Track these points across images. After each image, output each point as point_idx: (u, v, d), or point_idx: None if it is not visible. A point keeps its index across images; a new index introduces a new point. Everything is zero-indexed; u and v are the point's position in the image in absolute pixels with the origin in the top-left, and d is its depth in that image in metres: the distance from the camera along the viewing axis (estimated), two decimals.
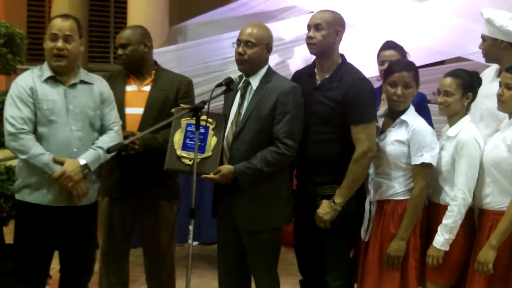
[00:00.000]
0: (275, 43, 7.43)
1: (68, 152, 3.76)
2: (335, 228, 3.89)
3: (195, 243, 5.89)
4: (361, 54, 6.95)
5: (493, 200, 3.68)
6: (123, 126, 4.14)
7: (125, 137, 4.01)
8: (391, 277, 3.83)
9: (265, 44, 3.93)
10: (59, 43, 3.79)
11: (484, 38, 4.19)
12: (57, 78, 3.84)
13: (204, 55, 7.37)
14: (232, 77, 3.84)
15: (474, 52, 6.47)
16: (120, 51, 4.30)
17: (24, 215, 3.87)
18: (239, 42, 3.93)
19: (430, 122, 4.19)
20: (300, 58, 7.38)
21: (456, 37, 6.80)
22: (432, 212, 3.84)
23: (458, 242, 3.73)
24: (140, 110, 4.21)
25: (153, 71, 4.35)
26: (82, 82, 3.93)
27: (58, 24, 3.82)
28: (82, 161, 3.80)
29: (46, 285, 4.20)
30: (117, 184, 4.26)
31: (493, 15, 4.17)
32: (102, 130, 3.97)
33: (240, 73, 4.03)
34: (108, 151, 3.64)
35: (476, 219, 3.81)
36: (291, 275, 4.66)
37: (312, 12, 7.42)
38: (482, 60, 6.52)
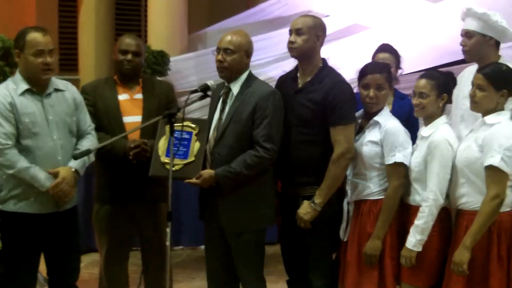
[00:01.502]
0: None
1: (53, 161, 3.91)
2: (317, 229, 3.99)
3: (202, 246, 6.01)
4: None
5: (468, 200, 3.71)
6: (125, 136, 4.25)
7: (137, 146, 4.17)
8: (369, 275, 3.90)
9: (244, 51, 4.04)
10: (48, 59, 3.92)
11: (470, 34, 4.13)
12: (33, 90, 3.96)
13: None
14: (209, 84, 3.96)
15: None
16: (130, 57, 4.37)
17: (10, 224, 3.99)
18: (218, 49, 4.04)
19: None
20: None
21: None
22: (403, 213, 3.90)
23: (433, 243, 3.78)
24: (138, 118, 4.32)
25: (140, 79, 4.48)
26: (56, 90, 4.05)
27: (43, 40, 3.92)
28: (73, 168, 3.97)
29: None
30: (118, 191, 4.38)
31: (485, 11, 4.16)
32: (79, 135, 4.11)
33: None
34: (75, 157, 3.78)
35: (453, 219, 3.83)
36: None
37: (328, 16, 7.62)
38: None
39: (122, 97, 4.43)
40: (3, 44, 4.51)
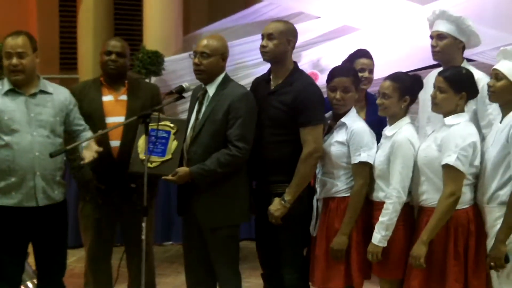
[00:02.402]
0: None
1: (30, 156, 4.08)
2: (287, 225, 4.18)
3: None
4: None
5: (428, 197, 3.90)
6: (105, 136, 4.45)
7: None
8: (337, 270, 4.09)
9: (220, 54, 4.25)
10: (14, 60, 4.11)
11: (443, 35, 4.26)
12: (16, 90, 4.17)
13: None
14: (184, 86, 4.16)
15: (477, 53, 6.63)
16: (114, 58, 4.56)
17: None
18: (195, 53, 4.23)
19: None
20: (308, 62, 7.67)
21: None
22: (368, 209, 4.08)
23: (399, 238, 3.97)
24: (121, 119, 4.47)
25: (126, 81, 4.67)
26: (42, 92, 4.24)
27: (10, 43, 4.10)
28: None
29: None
30: (101, 189, 4.57)
31: (460, 15, 4.30)
32: (74, 135, 4.32)
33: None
34: (51, 155, 3.96)
35: (416, 215, 4.01)
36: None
37: (319, 17, 7.75)
38: (486, 60, 6.68)
39: (107, 98, 4.61)
40: None
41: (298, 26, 7.86)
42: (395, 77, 4.05)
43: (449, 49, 4.27)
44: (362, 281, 4.13)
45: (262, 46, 4.24)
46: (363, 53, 4.76)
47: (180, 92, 4.16)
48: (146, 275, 4.62)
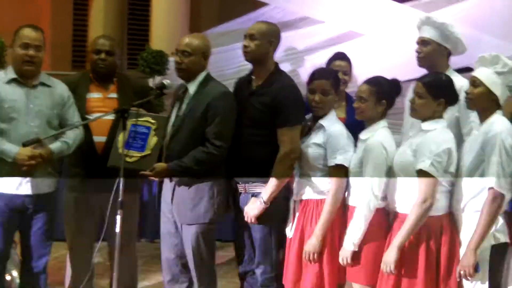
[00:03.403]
0: (288, 51, 7.87)
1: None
2: (263, 224, 4.19)
3: None
4: (371, 62, 7.19)
5: (403, 203, 3.86)
6: (89, 131, 4.52)
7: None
8: (309, 272, 4.07)
9: (202, 53, 4.28)
10: (31, 52, 4.24)
11: (427, 41, 4.25)
12: (19, 80, 4.28)
13: (220, 63, 7.75)
14: (165, 82, 4.19)
15: None
16: (103, 56, 4.61)
17: None
18: (177, 51, 4.26)
19: None
20: (311, 66, 7.63)
21: None
22: (343, 213, 4.06)
23: (373, 243, 3.93)
24: (109, 116, 4.46)
25: (115, 78, 4.70)
26: (42, 84, 4.35)
27: (30, 34, 4.27)
28: (52, 149, 4.25)
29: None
30: (82, 180, 4.63)
31: (444, 21, 4.28)
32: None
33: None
34: (24, 144, 4.04)
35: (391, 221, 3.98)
36: None
37: (323, 22, 7.78)
38: None
39: (95, 95, 4.65)
40: None
41: (303, 31, 8.05)
42: (372, 81, 4.03)
43: (433, 55, 4.25)
44: (334, 285, 4.10)
45: (244, 46, 4.26)
46: (339, 56, 4.79)
47: (160, 88, 4.20)
48: (127, 270, 4.70)
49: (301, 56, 7.72)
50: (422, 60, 4.30)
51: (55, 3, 10.41)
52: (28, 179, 4.22)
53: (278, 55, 7.74)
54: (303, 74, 7.41)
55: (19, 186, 4.23)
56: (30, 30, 4.29)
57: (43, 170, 4.27)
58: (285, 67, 7.58)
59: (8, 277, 4.93)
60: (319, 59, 7.77)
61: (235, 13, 8.60)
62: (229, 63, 7.79)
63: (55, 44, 10.17)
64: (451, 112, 4.03)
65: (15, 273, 5.02)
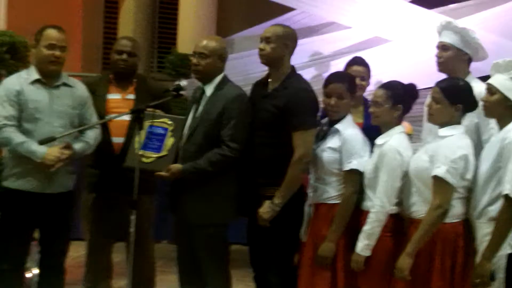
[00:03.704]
0: (313, 56, 7.85)
1: (49, 145, 4.21)
2: (277, 228, 4.17)
3: None
4: (397, 68, 7.15)
5: (418, 209, 3.82)
6: (107, 132, 4.58)
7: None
8: (322, 277, 4.04)
9: (218, 55, 4.28)
10: (58, 52, 4.32)
11: (447, 46, 4.22)
12: (42, 80, 4.34)
13: (245, 67, 7.76)
14: (181, 84, 4.21)
15: None
16: (125, 57, 4.68)
17: (9, 200, 4.38)
18: (194, 54, 4.28)
19: None
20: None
21: (490, 53, 6.86)
22: (357, 217, 4.02)
23: (385, 249, 3.90)
24: (127, 117, 4.51)
25: (134, 80, 4.74)
26: (64, 84, 4.41)
27: (56, 35, 4.34)
28: (75, 149, 4.32)
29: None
30: (101, 180, 4.68)
31: (465, 26, 4.25)
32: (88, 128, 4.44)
33: None
34: (40, 143, 4.09)
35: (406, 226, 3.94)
36: None
37: (350, 27, 7.75)
38: None
39: (114, 96, 4.71)
40: (10, 39, 4.86)
41: (329, 36, 8.02)
42: (388, 86, 4.01)
43: (453, 61, 4.21)
44: None
45: (259, 49, 4.27)
46: (357, 61, 4.76)
47: (177, 90, 4.22)
48: (145, 271, 4.75)
49: (327, 61, 7.68)
50: (442, 65, 4.27)
51: (87, 5, 10.53)
52: (48, 178, 4.27)
53: (303, 60, 7.85)
54: None
55: (38, 184, 4.29)
56: (55, 31, 4.37)
57: (63, 169, 4.31)
58: (310, 72, 7.59)
59: (28, 275, 5.00)
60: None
61: (263, 18, 8.59)
62: (254, 67, 7.75)
63: (86, 46, 10.32)
64: (470, 119, 3.98)
65: (35, 271, 5.09)
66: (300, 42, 7.89)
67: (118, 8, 9.77)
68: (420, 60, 7.27)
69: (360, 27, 7.80)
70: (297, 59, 7.80)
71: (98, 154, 4.66)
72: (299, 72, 7.21)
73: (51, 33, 4.35)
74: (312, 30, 8.13)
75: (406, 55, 7.43)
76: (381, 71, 6.30)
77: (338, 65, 7.67)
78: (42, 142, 4.08)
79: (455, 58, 4.22)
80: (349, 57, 7.66)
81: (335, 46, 7.76)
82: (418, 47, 7.39)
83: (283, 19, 8.20)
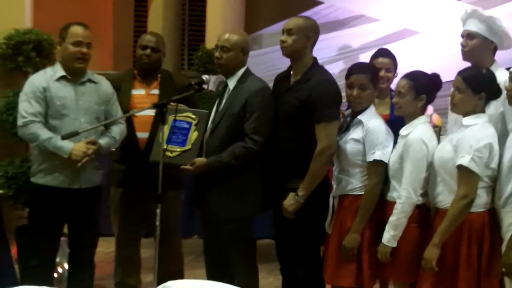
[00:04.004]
0: (342, 50, 7.82)
1: (76, 141, 4.28)
2: (302, 221, 4.17)
3: None
4: (427, 60, 7.09)
5: (443, 199, 3.79)
6: (132, 127, 4.63)
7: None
8: (348, 268, 4.04)
9: (240, 49, 4.30)
10: (85, 49, 4.38)
11: (473, 35, 4.16)
12: (67, 77, 4.40)
13: (274, 62, 7.74)
14: (204, 78, 4.24)
15: None
16: (148, 52, 4.72)
17: (37, 196, 4.47)
18: (216, 47, 4.30)
19: None
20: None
21: None
22: (382, 208, 4.01)
23: (411, 240, 3.88)
24: (149, 112, 4.55)
25: (159, 75, 4.78)
26: (89, 81, 4.48)
27: (82, 33, 4.40)
28: (101, 144, 4.38)
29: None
30: (127, 175, 4.73)
31: (491, 15, 4.21)
32: (112, 123, 4.50)
33: None
34: (62, 138, 4.14)
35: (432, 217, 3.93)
36: None
37: (379, 20, 7.70)
38: None
39: (138, 91, 4.76)
40: (36, 37, 4.94)
41: (358, 29, 7.99)
42: (411, 76, 3.98)
43: (478, 49, 4.15)
44: (372, 280, 4.07)
45: (281, 41, 4.27)
46: (381, 52, 4.71)
47: (199, 84, 4.24)
48: (173, 265, 4.78)
49: (356, 55, 7.63)
50: (467, 54, 4.21)
51: (116, 4, 10.60)
52: (75, 173, 4.33)
53: (332, 53, 7.83)
54: None
55: (65, 180, 4.35)
56: (81, 28, 4.42)
57: (90, 164, 4.37)
58: (338, 65, 7.55)
59: (60, 270, 5.09)
60: None
61: (291, 12, 8.56)
62: (283, 62, 7.70)
63: (117, 44, 10.39)
64: (496, 107, 3.94)
65: (67, 266, 5.17)
66: (329, 36, 8.01)
67: (147, 6, 9.81)
68: (449, 52, 7.18)
69: (389, 19, 7.73)
70: (325, 53, 7.89)
71: (124, 150, 4.73)
72: (328, 66, 7.24)
73: (77, 30, 4.40)
74: (341, 24, 8.09)
75: (436, 47, 7.35)
76: (411, 64, 6.24)
77: (367, 59, 7.53)
78: (64, 137, 4.13)
79: (480, 47, 4.15)
80: None
81: (364, 39, 7.71)
82: (447, 39, 7.30)
83: (311, 13, 8.17)
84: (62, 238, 4.78)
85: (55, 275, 5.06)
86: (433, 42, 7.37)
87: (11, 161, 4.97)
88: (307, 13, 8.21)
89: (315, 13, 8.20)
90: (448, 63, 6.73)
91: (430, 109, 7.23)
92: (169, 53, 9.30)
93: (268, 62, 7.85)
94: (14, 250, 4.94)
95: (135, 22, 10.77)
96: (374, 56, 4.71)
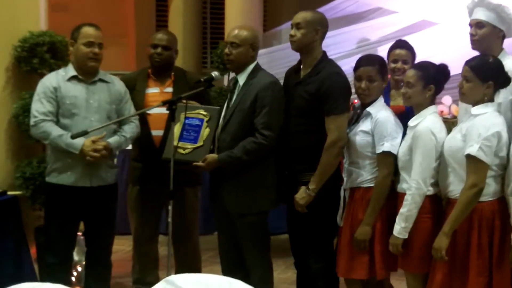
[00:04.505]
0: (361, 43, 7.81)
1: (86, 139, 4.33)
2: (314, 214, 4.19)
3: None
4: (445, 51, 7.05)
5: (454, 188, 3.77)
6: (147, 125, 4.69)
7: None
8: (360, 260, 4.04)
9: (250, 44, 4.32)
10: (96, 50, 4.44)
11: (482, 23, 4.14)
12: (79, 77, 4.46)
13: (294, 57, 7.69)
14: (213, 75, 4.27)
15: None
16: (159, 51, 4.76)
17: (52, 195, 4.54)
18: (226, 43, 4.32)
19: None
20: (383, 57, 7.55)
21: None
22: (393, 200, 4.00)
23: (424, 230, 3.86)
24: (163, 110, 4.47)
25: (172, 73, 4.82)
26: (101, 80, 4.53)
27: (94, 33, 4.47)
28: (110, 144, 4.42)
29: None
30: (144, 173, 4.78)
31: (500, 3, 4.18)
32: (123, 122, 4.55)
33: None
34: (72, 137, 4.19)
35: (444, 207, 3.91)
36: None
37: (397, 12, 7.68)
38: None
39: (152, 90, 4.81)
40: (50, 39, 5.01)
41: (375, 21, 7.97)
42: (419, 66, 3.97)
43: (488, 38, 4.13)
44: (385, 272, 4.06)
45: (290, 36, 4.28)
46: (399, 44, 4.69)
47: (209, 81, 4.27)
48: (190, 261, 4.82)
49: (374, 47, 7.62)
50: (477, 43, 4.18)
51: (138, 4, 10.69)
52: (87, 171, 4.38)
53: (351, 47, 7.82)
54: None
55: (77, 178, 4.41)
56: (92, 29, 4.47)
57: (103, 162, 4.43)
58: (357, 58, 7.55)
59: (79, 268, 5.15)
60: None
61: (310, 7, 8.56)
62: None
63: (139, 44, 10.48)
64: (505, 95, 3.91)
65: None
66: (347, 29, 8.02)
67: (168, 5, 9.89)
68: (468, 42, 7.16)
69: (407, 11, 7.71)
70: (345, 46, 7.90)
71: (140, 148, 4.78)
72: (348, 59, 7.24)
73: (89, 30, 4.46)
74: (359, 17, 8.09)
75: (454, 38, 7.31)
76: (429, 55, 6.21)
77: (386, 51, 7.63)
78: (74, 137, 4.18)
79: (490, 36, 4.13)
80: None
81: (382, 31, 7.71)
82: (465, 29, 7.25)
83: (330, 7, 8.21)
84: (81, 237, 4.85)
85: (74, 273, 5.15)
86: (451, 33, 7.33)
87: (28, 162, 5.04)
88: (326, 7, 8.26)
89: (334, 7, 8.23)
90: (466, 54, 6.67)
91: (449, 99, 7.22)
92: (191, 51, 9.48)
93: (287, 57, 7.82)
94: (33, 250, 5.01)
95: (157, 21, 10.85)
96: (392, 48, 4.70)
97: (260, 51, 7.81)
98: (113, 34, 10.64)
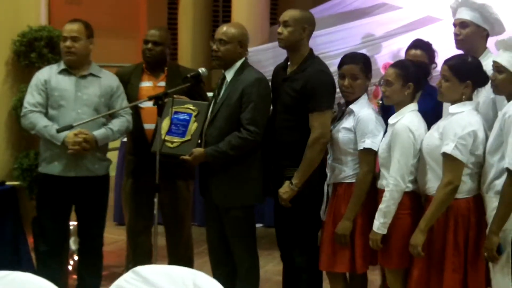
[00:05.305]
0: (365, 38, 7.84)
1: (73, 131, 4.43)
2: (298, 208, 4.27)
3: (259, 225, 6.38)
4: (450, 47, 7.06)
5: (432, 185, 3.84)
6: (140, 119, 4.79)
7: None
8: (342, 255, 4.13)
9: (238, 41, 4.40)
10: (67, 43, 4.55)
11: (466, 23, 4.18)
12: (69, 70, 4.60)
13: None
14: (200, 71, 4.36)
15: None
16: (150, 46, 4.85)
17: (42, 184, 4.70)
18: (214, 40, 4.41)
19: None
20: (388, 53, 7.61)
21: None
22: (374, 196, 4.08)
23: (403, 226, 3.93)
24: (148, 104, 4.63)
25: (166, 67, 4.92)
26: (92, 74, 4.65)
27: (66, 28, 4.61)
28: (95, 136, 4.53)
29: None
30: (137, 165, 4.90)
31: (484, 2, 4.22)
32: (114, 116, 4.65)
33: None
34: (58, 131, 4.31)
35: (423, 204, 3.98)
36: None
37: (401, 8, 7.70)
38: None
39: (146, 84, 4.90)
40: (48, 34, 5.14)
41: (380, 17, 7.99)
42: (399, 64, 4.03)
43: (472, 38, 4.17)
44: (365, 267, 4.14)
45: (278, 33, 4.36)
46: (415, 44, 4.66)
47: (196, 77, 4.36)
48: (183, 253, 4.93)
49: (379, 43, 7.66)
50: (461, 43, 4.22)
51: (151, 4, 10.82)
52: (72, 162, 4.51)
53: (355, 42, 7.86)
54: (379, 60, 7.39)
55: (63, 168, 4.53)
56: (68, 24, 4.62)
57: (91, 155, 4.54)
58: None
59: (76, 257, 5.27)
60: (396, 45, 7.74)
61: (316, 2, 8.66)
62: None
63: None
64: (487, 94, 3.96)
65: None
66: (352, 24, 8.06)
67: (178, 1, 10.00)
68: None
69: (412, 7, 7.73)
70: (349, 42, 7.94)
71: (133, 141, 4.89)
72: None
73: (65, 27, 4.62)
74: (364, 12, 8.12)
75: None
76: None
77: (390, 46, 7.69)
78: (59, 130, 4.30)
79: (474, 35, 4.17)
80: (400, 38, 7.73)
81: (387, 27, 7.73)
82: None
83: (335, 3, 8.26)
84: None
85: (71, 262, 5.28)
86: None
87: (26, 154, 5.18)
88: (332, 3, 8.34)
89: (340, 3, 8.28)
90: None
91: None
92: (201, 47, 9.59)
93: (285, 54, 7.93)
94: (31, 240, 5.15)
95: (168, 20, 10.98)
96: (408, 48, 4.69)
97: (266, 46, 8.00)
98: (125, 27, 10.85)
